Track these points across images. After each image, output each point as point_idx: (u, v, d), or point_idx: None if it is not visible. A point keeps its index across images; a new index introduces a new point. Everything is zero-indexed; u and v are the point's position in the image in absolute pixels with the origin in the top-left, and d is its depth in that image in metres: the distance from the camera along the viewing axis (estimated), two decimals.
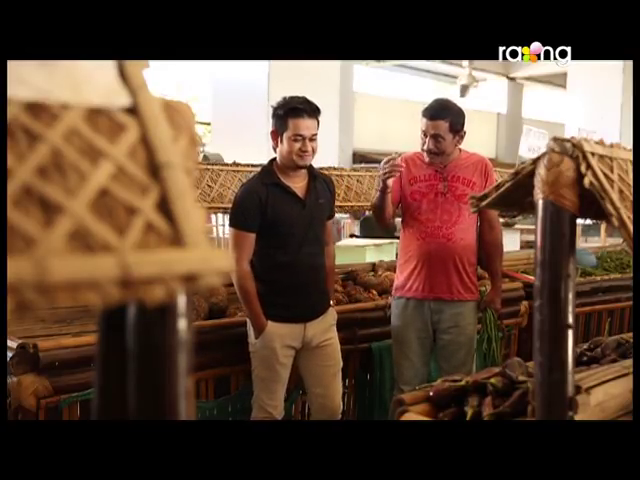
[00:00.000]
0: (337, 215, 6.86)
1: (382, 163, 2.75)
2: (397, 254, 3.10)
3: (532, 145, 4.74)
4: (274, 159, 2.72)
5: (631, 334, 1.90)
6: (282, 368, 2.66)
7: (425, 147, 2.83)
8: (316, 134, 2.65)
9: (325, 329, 2.75)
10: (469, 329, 2.90)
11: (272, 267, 2.64)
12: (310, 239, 2.69)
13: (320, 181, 2.76)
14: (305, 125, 2.60)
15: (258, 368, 2.67)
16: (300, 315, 2.68)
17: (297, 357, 2.74)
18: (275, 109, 2.65)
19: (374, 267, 4.23)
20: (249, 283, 2.60)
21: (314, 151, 2.66)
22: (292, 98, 2.66)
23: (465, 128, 2.89)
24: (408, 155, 2.97)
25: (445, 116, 2.80)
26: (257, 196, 2.60)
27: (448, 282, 2.84)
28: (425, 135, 2.83)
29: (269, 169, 2.70)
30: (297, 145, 2.60)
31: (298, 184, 2.69)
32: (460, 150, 2.93)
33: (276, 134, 2.65)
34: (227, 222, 6.26)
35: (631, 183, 1.18)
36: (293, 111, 2.59)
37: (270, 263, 2.64)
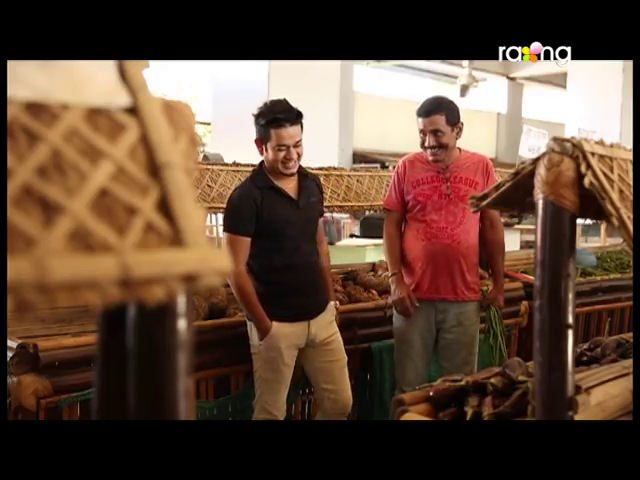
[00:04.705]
0: (337, 215, 6.88)
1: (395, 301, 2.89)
2: None
3: (532, 145, 4.74)
4: (263, 162, 2.71)
5: (631, 334, 1.90)
6: (287, 369, 2.67)
7: (427, 144, 2.82)
8: (300, 139, 2.63)
9: (327, 325, 2.78)
10: (472, 329, 2.90)
11: (271, 269, 2.65)
12: (306, 238, 2.71)
13: (309, 179, 2.78)
14: (288, 134, 2.58)
15: (262, 369, 2.66)
16: (303, 314, 2.70)
17: (301, 356, 2.75)
18: (256, 117, 2.63)
19: (374, 267, 4.23)
20: (248, 287, 2.60)
21: (299, 156, 2.65)
22: (274, 105, 2.63)
23: (464, 125, 2.89)
24: (409, 157, 2.98)
25: (440, 110, 2.82)
26: (252, 200, 2.60)
27: (452, 283, 2.84)
28: (424, 134, 2.83)
29: (260, 172, 2.70)
30: (281, 154, 2.59)
31: (289, 185, 2.70)
32: (460, 150, 2.93)
33: (260, 142, 2.64)
34: None
35: (631, 183, 1.18)
36: (275, 121, 2.56)
37: (269, 265, 2.65)
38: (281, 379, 2.66)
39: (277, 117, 2.56)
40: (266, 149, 2.62)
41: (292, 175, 2.67)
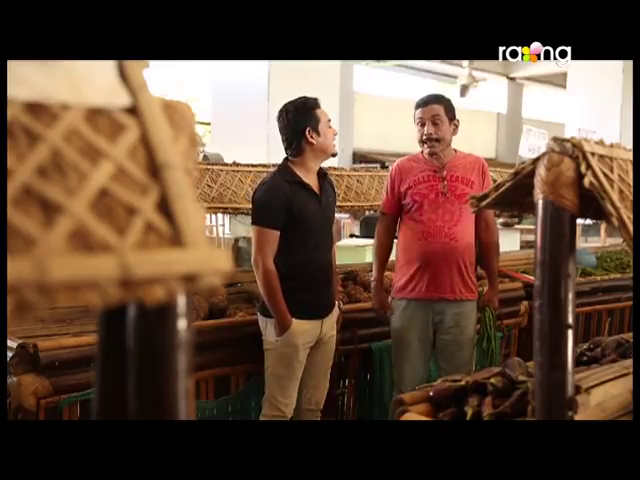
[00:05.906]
0: (337, 215, 6.89)
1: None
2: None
3: (532, 145, 4.74)
4: (287, 158, 2.73)
5: (631, 334, 1.91)
6: (299, 366, 2.68)
7: (426, 132, 2.83)
8: None
9: (332, 325, 2.81)
10: (469, 329, 2.90)
11: (294, 264, 2.65)
12: (325, 236, 2.75)
13: (327, 179, 2.82)
14: (326, 112, 2.75)
15: (274, 366, 2.67)
16: (319, 311, 2.72)
17: None
18: (298, 109, 2.68)
19: None
20: (275, 281, 2.59)
21: None
22: (299, 98, 2.74)
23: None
24: (402, 160, 2.99)
25: (439, 101, 2.88)
26: (283, 194, 2.62)
27: (451, 282, 2.84)
28: (422, 124, 2.85)
29: (287, 167, 2.71)
30: (333, 130, 2.73)
31: (313, 182, 2.73)
32: (456, 151, 2.94)
33: (310, 131, 2.67)
34: (227, 222, 6.28)
35: (631, 183, 1.18)
36: (316, 103, 2.71)
37: (292, 260, 2.65)
38: (292, 376, 2.67)
39: (314, 99, 2.72)
40: (317, 134, 2.67)
41: (335, 155, 2.79)
